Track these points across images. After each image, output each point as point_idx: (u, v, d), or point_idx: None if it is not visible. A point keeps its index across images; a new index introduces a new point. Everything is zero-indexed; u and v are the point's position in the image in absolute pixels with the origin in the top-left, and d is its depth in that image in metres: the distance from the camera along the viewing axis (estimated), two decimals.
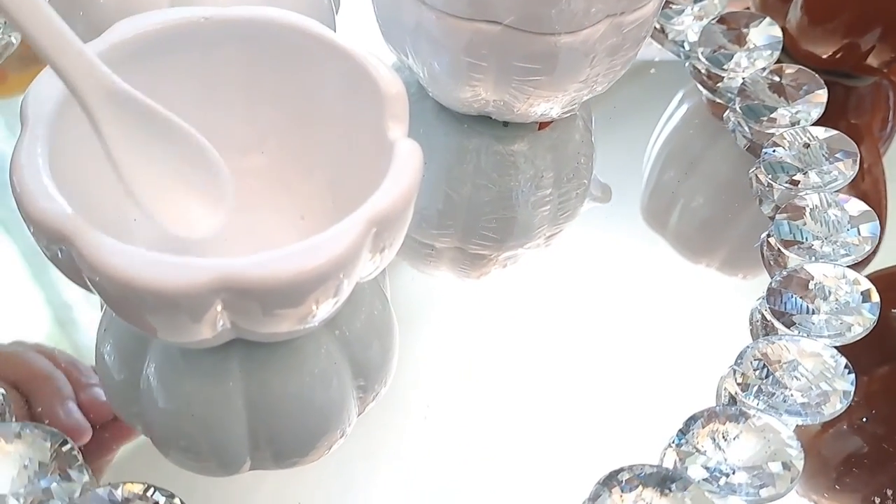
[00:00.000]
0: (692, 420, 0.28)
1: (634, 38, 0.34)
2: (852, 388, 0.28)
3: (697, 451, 0.27)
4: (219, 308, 0.23)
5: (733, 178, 0.39)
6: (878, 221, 0.34)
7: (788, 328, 0.31)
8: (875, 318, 0.30)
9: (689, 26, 0.44)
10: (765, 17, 0.42)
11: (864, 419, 0.31)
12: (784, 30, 0.42)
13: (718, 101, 0.42)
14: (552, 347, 0.33)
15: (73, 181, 0.26)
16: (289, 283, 0.23)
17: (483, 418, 0.31)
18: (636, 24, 0.33)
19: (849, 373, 0.29)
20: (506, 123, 0.38)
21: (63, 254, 0.23)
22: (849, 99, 0.43)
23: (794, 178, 0.36)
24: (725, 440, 0.27)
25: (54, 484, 0.25)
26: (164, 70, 0.29)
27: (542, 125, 0.39)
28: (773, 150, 0.37)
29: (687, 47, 0.44)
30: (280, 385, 0.29)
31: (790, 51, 0.44)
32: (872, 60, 0.42)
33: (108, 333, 0.30)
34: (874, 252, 0.34)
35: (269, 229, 0.31)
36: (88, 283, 0.23)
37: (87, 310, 0.33)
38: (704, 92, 0.43)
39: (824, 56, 0.42)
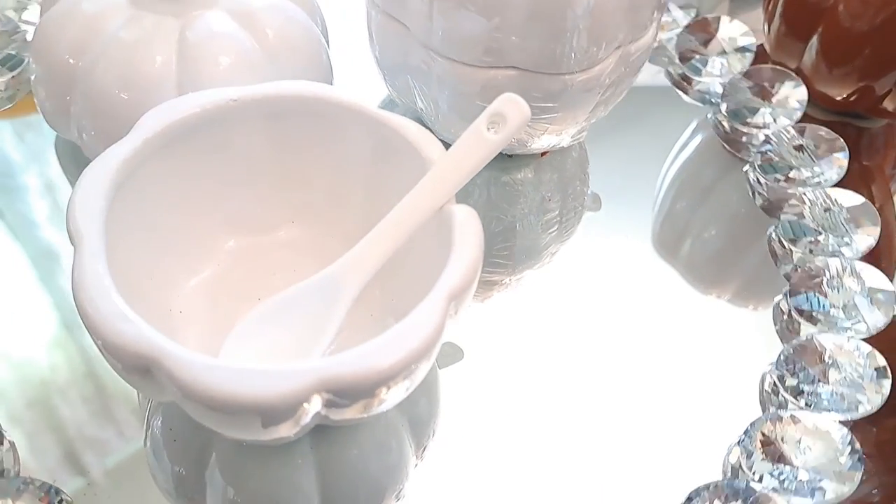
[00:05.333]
0: (696, 493, 0.28)
1: (637, 65, 0.35)
2: (860, 473, 0.28)
3: None
4: (312, 407, 0.23)
5: (743, 209, 0.39)
6: (893, 292, 0.33)
7: (798, 400, 0.30)
8: (887, 394, 0.30)
9: (713, 79, 0.43)
10: (789, 74, 0.41)
11: (874, 468, 0.31)
12: (798, 70, 0.42)
13: (739, 156, 0.41)
14: (558, 382, 0.33)
15: (125, 281, 0.25)
16: (387, 372, 0.23)
17: (500, 466, 0.30)
18: (640, 51, 0.34)
19: (857, 457, 0.28)
20: (510, 154, 0.38)
21: (144, 376, 0.22)
22: (861, 140, 0.43)
23: (812, 240, 0.36)
24: None
25: None
26: (194, 153, 0.29)
27: (545, 151, 0.39)
28: (793, 212, 0.36)
29: (711, 99, 0.43)
30: (349, 458, 0.29)
31: None
32: (888, 104, 0.41)
33: (164, 424, 0.29)
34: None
35: None
36: (174, 398, 0.23)
37: None
38: (725, 146, 0.42)
39: (839, 98, 0.42)
